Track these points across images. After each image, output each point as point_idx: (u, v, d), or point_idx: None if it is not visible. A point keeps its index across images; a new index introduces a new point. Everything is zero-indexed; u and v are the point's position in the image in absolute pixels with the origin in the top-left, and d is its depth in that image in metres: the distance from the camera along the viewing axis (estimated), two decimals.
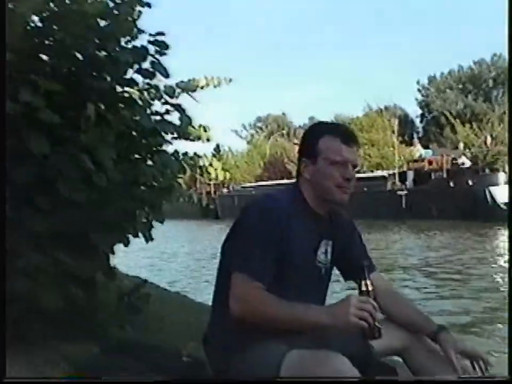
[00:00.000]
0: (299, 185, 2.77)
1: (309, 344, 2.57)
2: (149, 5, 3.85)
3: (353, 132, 2.82)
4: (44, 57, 3.60)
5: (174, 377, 2.46)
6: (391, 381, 2.82)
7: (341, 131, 2.73)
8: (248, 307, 2.45)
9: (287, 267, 2.61)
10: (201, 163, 4.70)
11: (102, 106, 3.62)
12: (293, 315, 2.44)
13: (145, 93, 4.24)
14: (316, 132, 2.78)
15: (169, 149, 4.29)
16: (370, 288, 2.51)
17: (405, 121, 78.85)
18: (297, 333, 2.62)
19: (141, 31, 3.93)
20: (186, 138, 4.35)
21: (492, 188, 38.96)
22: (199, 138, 4.63)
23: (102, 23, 3.67)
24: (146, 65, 3.89)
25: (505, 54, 2.82)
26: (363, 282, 2.52)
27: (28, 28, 3.42)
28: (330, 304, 2.52)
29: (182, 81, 4.45)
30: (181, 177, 4.28)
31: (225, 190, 61.20)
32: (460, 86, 78.60)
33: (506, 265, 17.26)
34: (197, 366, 2.58)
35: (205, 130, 4.69)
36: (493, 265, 16.62)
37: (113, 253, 3.99)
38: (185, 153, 4.50)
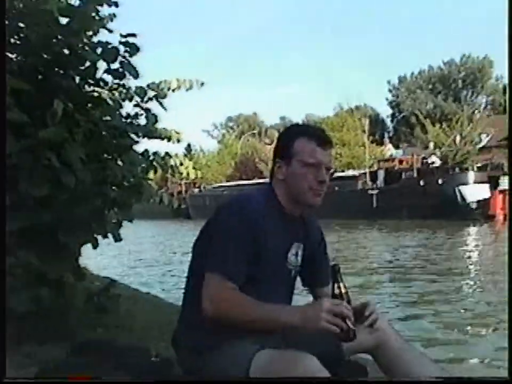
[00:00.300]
0: (273, 186, 2.76)
1: (278, 344, 2.57)
2: (116, 4, 3.82)
3: (328, 135, 2.80)
4: (11, 55, 3.56)
5: (146, 377, 2.45)
6: (391, 381, 2.83)
7: (316, 133, 2.72)
8: (222, 307, 2.43)
9: (258, 267, 2.60)
10: (172, 162, 4.68)
11: (70, 105, 3.58)
12: (265, 315, 2.42)
13: (116, 93, 4.21)
14: (291, 134, 2.77)
15: (140, 148, 4.28)
16: (343, 291, 2.50)
17: (376, 121, 79.42)
18: (267, 332, 2.62)
19: (110, 31, 3.91)
20: (153, 137, 4.33)
21: (461, 187, 39.40)
22: (169, 139, 4.62)
23: (66, 20, 3.63)
24: (116, 65, 3.86)
25: (505, 54, 2.81)
26: (336, 285, 2.51)
27: None
28: (304, 305, 2.48)
29: (153, 83, 4.44)
30: (151, 178, 4.26)
31: (196, 190, 61.24)
32: (430, 86, 79.32)
33: (475, 262, 17.51)
34: (166, 366, 2.56)
35: (177, 132, 4.68)
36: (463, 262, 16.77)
37: (80, 253, 3.96)
38: (156, 153, 4.48)
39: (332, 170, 2.75)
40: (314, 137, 2.68)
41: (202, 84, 4.78)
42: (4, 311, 2.38)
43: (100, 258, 13.67)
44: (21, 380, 2.27)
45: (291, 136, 2.74)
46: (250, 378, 2.34)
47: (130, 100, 4.21)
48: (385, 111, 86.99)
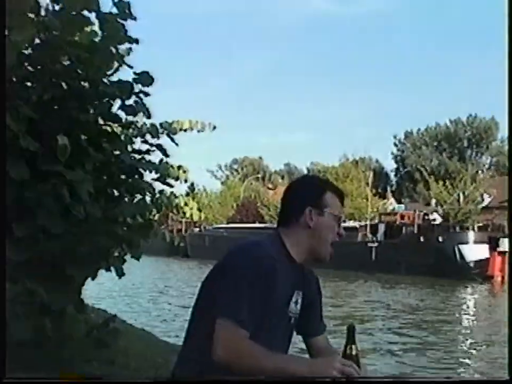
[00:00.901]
0: (280, 233, 2.79)
1: None
2: (137, 41, 3.89)
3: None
4: (30, 84, 3.62)
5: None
6: (391, 381, 2.84)
7: (339, 191, 2.84)
8: (234, 356, 2.42)
9: (265, 314, 2.62)
10: (176, 202, 4.72)
11: (84, 139, 3.63)
12: (277, 367, 2.41)
13: (128, 130, 4.27)
14: (321, 185, 2.82)
15: (149, 188, 4.31)
16: (354, 353, 2.51)
17: (380, 174, 79.57)
18: None
19: (130, 67, 3.98)
20: (167, 184, 4.38)
21: (461, 246, 39.29)
22: (177, 178, 4.66)
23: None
24: (129, 102, 3.93)
25: (505, 64, 2.85)
26: (348, 346, 2.51)
27: (20, 55, 3.44)
28: (315, 359, 2.60)
29: (166, 122, 4.50)
30: (155, 220, 4.30)
31: (196, 229, 61.06)
32: (435, 143, 79.66)
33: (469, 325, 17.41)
34: None
35: (184, 172, 4.72)
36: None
37: (83, 286, 3.98)
38: (162, 191, 4.52)
39: None
40: (338, 194, 2.80)
41: (214, 127, 4.85)
42: (4, 311, 2.39)
43: (95, 290, 13.64)
44: (21, 380, 2.27)
45: (322, 187, 2.80)
46: (251, 378, 2.35)
47: (143, 137, 4.26)
48: (389, 165, 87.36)
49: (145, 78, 3.90)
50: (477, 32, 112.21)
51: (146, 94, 3.96)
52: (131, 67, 3.98)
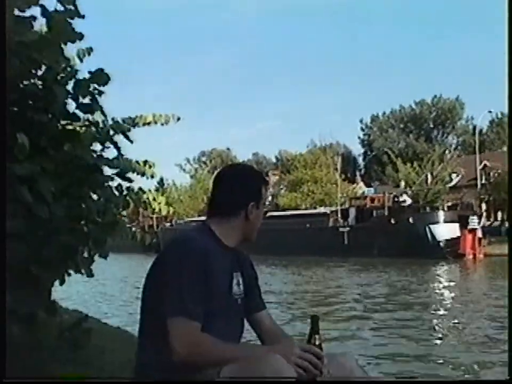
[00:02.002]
0: (210, 224, 2.89)
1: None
2: (81, 37, 3.79)
3: None
4: None
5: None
6: (391, 381, 2.85)
7: (266, 180, 3.05)
8: (193, 351, 2.49)
9: (211, 302, 2.66)
10: (145, 197, 4.68)
11: (44, 139, 3.58)
12: (237, 356, 2.49)
13: (89, 128, 4.22)
14: (260, 180, 2.98)
15: (113, 183, 4.28)
16: (317, 343, 2.53)
17: (348, 159, 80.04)
18: None
19: (81, 60, 3.92)
20: (126, 179, 4.34)
21: (432, 226, 39.68)
22: (143, 174, 4.62)
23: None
24: (86, 100, 3.88)
25: (505, 60, 2.86)
26: (312, 336, 2.54)
27: None
28: (274, 346, 2.63)
29: (129, 117, 4.45)
30: (124, 215, 4.25)
31: (167, 224, 60.98)
32: (402, 126, 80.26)
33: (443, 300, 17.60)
34: None
35: (150, 167, 4.68)
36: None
37: (51, 288, 3.93)
38: (129, 188, 4.48)
39: None
40: (267, 182, 3.04)
41: (178, 118, 4.82)
42: (4, 311, 2.36)
43: (67, 291, 13.56)
44: (21, 380, 2.25)
45: (260, 182, 2.98)
46: (255, 378, 2.35)
47: (106, 134, 4.22)
48: (357, 150, 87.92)
49: (100, 76, 3.84)
50: (437, 13, 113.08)
51: (101, 93, 3.90)
52: (81, 60, 3.94)
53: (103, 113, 4.00)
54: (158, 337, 2.61)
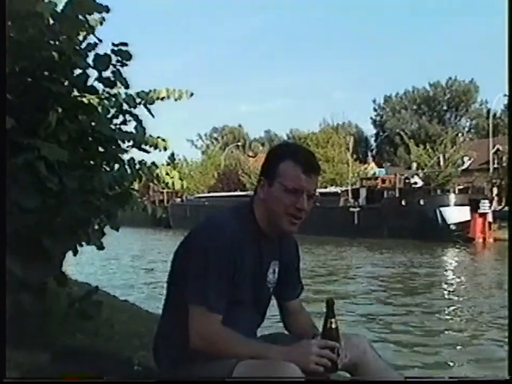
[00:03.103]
0: (252, 203, 2.73)
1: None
2: (107, 10, 3.78)
3: (316, 161, 2.71)
4: None
5: (146, 377, 2.48)
6: (391, 381, 2.85)
7: (303, 159, 2.63)
8: (210, 344, 2.46)
9: (238, 289, 2.61)
10: (157, 172, 4.69)
11: (60, 111, 3.58)
12: (254, 354, 2.43)
13: (105, 101, 4.22)
14: (280, 154, 2.69)
15: (125, 156, 4.28)
16: (334, 326, 2.51)
17: (360, 139, 79.75)
18: None
19: (99, 40, 3.89)
20: (142, 150, 4.33)
21: (442, 209, 39.51)
22: (156, 147, 4.63)
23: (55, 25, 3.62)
24: (107, 73, 3.86)
25: (505, 64, 2.85)
26: (328, 320, 2.52)
27: None
28: (292, 346, 2.49)
29: (143, 91, 4.45)
30: (136, 189, 4.25)
31: (178, 199, 61.00)
32: (415, 107, 79.74)
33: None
34: (148, 375, 2.57)
35: (163, 140, 4.68)
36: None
37: (63, 260, 3.95)
38: (142, 162, 4.49)
39: (314, 198, 2.68)
40: (301, 162, 2.60)
41: (191, 94, 4.80)
42: (4, 311, 2.38)
43: (78, 264, 13.63)
44: (21, 380, 2.27)
45: (279, 156, 2.66)
46: (254, 378, 2.34)
47: (120, 108, 4.21)
48: (369, 130, 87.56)
49: (124, 53, 3.82)
50: None
51: (124, 65, 3.88)
52: (100, 40, 3.89)
53: (127, 86, 3.97)
54: (180, 312, 2.57)
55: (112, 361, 2.59)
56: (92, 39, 3.96)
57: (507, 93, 2.77)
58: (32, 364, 2.58)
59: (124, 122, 4.18)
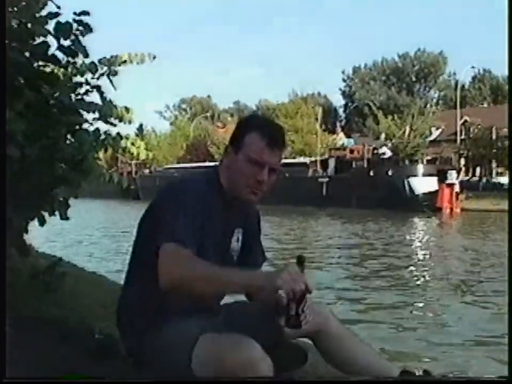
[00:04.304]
0: (218, 169, 2.74)
1: (220, 327, 2.60)
2: None
3: (282, 135, 2.72)
4: None
5: (90, 353, 2.46)
6: (391, 381, 2.88)
7: (269, 132, 2.64)
8: (180, 273, 2.32)
9: (203, 253, 2.61)
10: (123, 143, 4.64)
11: (20, 80, 3.53)
12: (227, 277, 2.33)
13: (67, 70, 4.16)
14: (247, 125, 2.72)
15: (91, 127, 4.23)
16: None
17: (329, 110, 79.96)
18: (210, 315, 2.67)
19: (58, 6, 3.82)
20: (108, 122, 4.29)
21: (410, 179, 39.95)
22: (121, 119, 4.58)
23: None
24: (67, 43, 3.81)
25: (505, 54, 2.85)
26: None
27: None
28: (270, 272, 2.32)
29: (104, 57, 4.39)
30: (99, 158, 4.21)
31: (146, 171, 60.92)
32: (384, 78, 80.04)
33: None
34: (109, 343, 2.57)
35: (127, 112, 4.64)
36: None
37: (26, 230, 3.91)
38: (106, 132, 4.44)
39: (277, 171, 2.69)
40: (266, 135, 2.62)
41: (154, 57, 4.71)
42: (4, 311, 2.35)
43: (46, 237, 13.57)
44: (21, 380, 2.25)
45: (246, 127, 2.68)
46: (253, 378, 2.33)
47: (82, 75, 4.15)
48: (338, 101, 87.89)
49: (85, 25, 3.76)
50: None
51: (85, 34, 3.82)
52: (59, 7, 3.82)
53: (86, 55, 3.91)
54: (143, 280, 2.59)
55: (73, 330, 2.58)
56: (52, 7, 3.89)
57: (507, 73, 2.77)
58: None
59: (86, 92, 4.12)
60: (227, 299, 2.90)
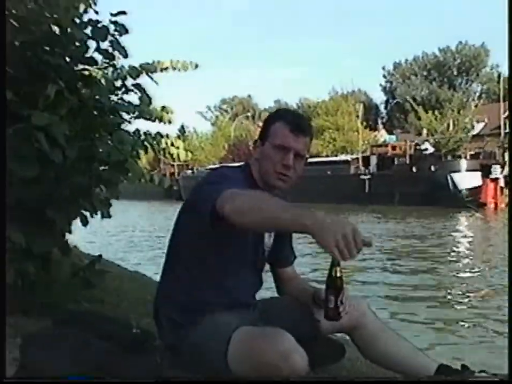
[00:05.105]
0: (250, 165, 2.84)
1: (256, 320, 2.65)
2: None
3: (306, 123, 2.84)
4: None
5: (126, 347, 2.50)
6: (389, 382, 2.91)
7: (291, 119, 2.77)
8: (237, 199, 2.27)
9: (240, 246, 2.66)
10: (163, 143, 4.70)
11: (61, 84, 3.61)
12: (284, 208, 2.19)
13: (108, 72, 4.23)
14: (272, 117, 2.84)
15: (131, 128, 4.30)
16: (338, 275, 2.54)
17: (370, 107, 79.40)
18: (246, 310, 2.72)
19: (96, 12, 3.90)
20: (145, 118, 4.35)
21: (453, 174, 39.42)
22: (160, 120, 4.64)
23: None
24: (106, 45, 3.88)
25: (505, 48, 2.86)
26: (333, 268, 2.52)
27: None
28: (327, 215, 2.09)
29: (147, 63, 4.45)
30: (139, 157, 4.27)
31: (189, 172, 61.11)
32: (425, 73, 79.13)
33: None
34: (146, 338, 2.62)
35: (167, 112, 4.69)
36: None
37: (69, 230, 3.99)
38: (147, 132, 4.51)
39: (305, 158, 2.77)
40: (289, 122, 2.74)
41: (196, 66, 4.79)
42: (4, 311, 2.42)
43: (91, 239, 13.75)
44: (21, 380, 2.31)
45: (271, 119, 2.82)
46: (255, 378, 2.36)
47: (123, 80, 4.23)
48: (379, 97, 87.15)
49: (120, 26, 3.83)
50: None
51: (121, 34, 3.89)
52: (96, 12, 3.91)
53: (126, 55, 3.98)
54: (179, 273, 2.68)
55: (111, 325, 2.64)
56: (92, 13, 3.97)
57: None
58: (36, 329, 2.65)
59: (126, 91, 4.20)
60: (262, 294, 2.95)
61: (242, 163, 2.93)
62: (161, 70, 4.66)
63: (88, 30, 3.82)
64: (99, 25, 3.82)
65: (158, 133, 4.63)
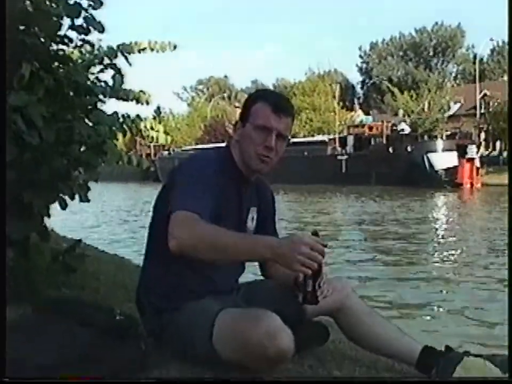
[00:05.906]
0: (230, 147, 2.77)
1: (239, 303, 2.62)
2: None
3: (287, 103, 2.78)
4: None
5: (110, 335, 2.46)
6: (393, 381, 2.89)
7: (273, 99, 2.70)
8: (185, 231, 2.30)
9: (219, 225, 2.61)
10: (142, 126, 4.63)
11: (36, 64, 3.53)
12: (239, 243, 2.29)
13: (85, 53, 4.15)
14: (253, 98, 2.77)
15: (109, 110, 4.23)
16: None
17: (346, 87, 79.55)
18: (229, 292, 2.69)
19: None
20: (120, 98, 4.28)
21: (430, 154, 39.71)
22: (137, 101, 4.57)
23: None
24: (80, 21, 3.79)
25: (503, 40, 2.84)
26: None
27: None
28: (282, 239, 2.31)
29: (123, 44, 4.37)
30: (116, 138, 4.20)
31: (165, 153, 60.97)
32: (401, 53, 79.40)
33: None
34: (130, 324, 2.58)
35: (144, 93, 4.62)
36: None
37: (48, 214, 3.92)
38: (125, 115, 4.43)
39: (286, 139, 2.71)
40: (271, 102, 2.67)
41: (175, 47, 4.70)
42: (4, 311, 2.37)
43: (66, 220, 13.64)
44: (21, 380, 2.26)
45: (252, 100, 2.75)
46: (258, 377, 2.34)
47: (101, 61, 4.14)
48: (355, 78, 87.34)
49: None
50: None
51: (96, 8, 3.79)
52: None
53: (102, 30, 3.89)
54: (160, 259, 2.62)
55: (93, 311, 2.59)
56: None
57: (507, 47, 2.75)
58: (16, 318, 2.59)
59: (102, 70, 4.12)
60: (246, 277, 2.91)
61: (220, 144, 2.87)
62: (139, 50, 4.58)
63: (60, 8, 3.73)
64: (71, 1, 3.72)
65: (138, 115, 4.56)
